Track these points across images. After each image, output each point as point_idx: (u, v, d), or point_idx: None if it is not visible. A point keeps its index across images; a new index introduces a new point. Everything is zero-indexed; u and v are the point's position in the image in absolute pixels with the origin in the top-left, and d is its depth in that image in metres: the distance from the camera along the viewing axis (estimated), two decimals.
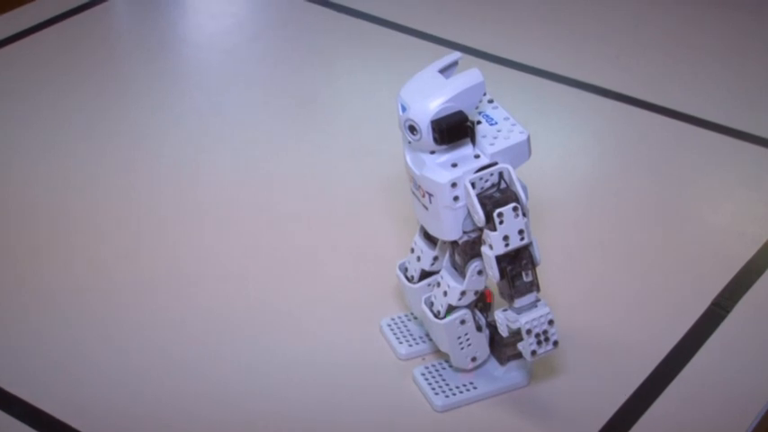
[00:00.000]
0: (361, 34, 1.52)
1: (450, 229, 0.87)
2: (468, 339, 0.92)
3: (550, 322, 0.88)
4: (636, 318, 1.04)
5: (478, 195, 0.85)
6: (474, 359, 0.93)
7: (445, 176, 0.85)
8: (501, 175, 0.86)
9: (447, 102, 0.83)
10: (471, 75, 0.84)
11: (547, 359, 0.94)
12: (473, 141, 0.86)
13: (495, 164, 0.85)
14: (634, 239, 1.14)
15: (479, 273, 0.88)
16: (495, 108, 0.89)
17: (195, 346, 1.00)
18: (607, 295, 1.07)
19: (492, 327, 0.93)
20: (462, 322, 0.91)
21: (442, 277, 0.91)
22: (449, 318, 0.90)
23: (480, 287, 0.90)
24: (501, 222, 0.84)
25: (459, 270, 0.90)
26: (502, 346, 0.94)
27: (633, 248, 1.13)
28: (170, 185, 1.21)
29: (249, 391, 0.95)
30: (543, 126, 1.31)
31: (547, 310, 0.87)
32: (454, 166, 0.85)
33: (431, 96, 0.83)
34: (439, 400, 0.93)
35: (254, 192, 1.20)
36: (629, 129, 1.33)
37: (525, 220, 0.85)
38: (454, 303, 0.90)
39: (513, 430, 0.92)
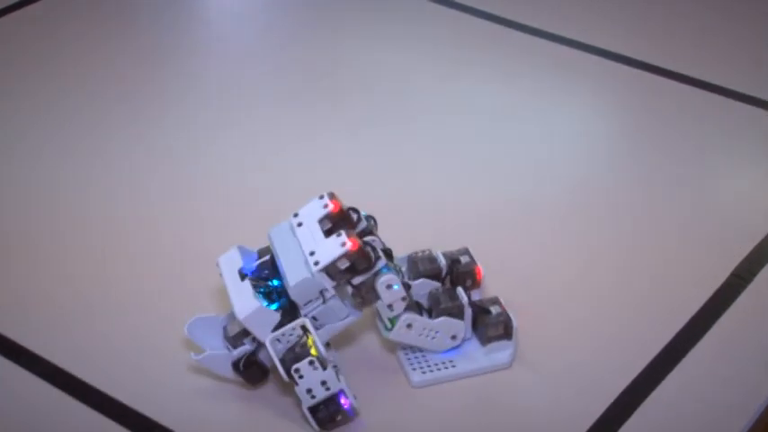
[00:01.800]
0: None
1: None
2: (427, 331, 0.93)
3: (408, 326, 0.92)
4: (657, 287, 1.06)
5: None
6: (454, 337, 0.95)
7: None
8: (303, 328, 0.88)
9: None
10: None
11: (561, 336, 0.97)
12: None
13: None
14: (656, 209, 1.16)
15: (387, 287, 0.90)
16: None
17: None
18: (627, 262, 1.09)
19: (476, 306, 0.95)
20: (408, 326, 0.92)
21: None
22: (394, 329, 0.92)
23: (400, 294, 0.90)
24: (301, 377, 0.87)
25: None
26: (484, 326, 0.96)
27: (656, 217, 1.15)
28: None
29: None
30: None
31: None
32: None
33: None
34: (416, 376, 0.95)
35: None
36: (655, 99, 1.35)
37: (326, 371, 0.87)
38: (391, 316, 0.92)
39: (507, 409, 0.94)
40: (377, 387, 0.94)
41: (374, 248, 0.88)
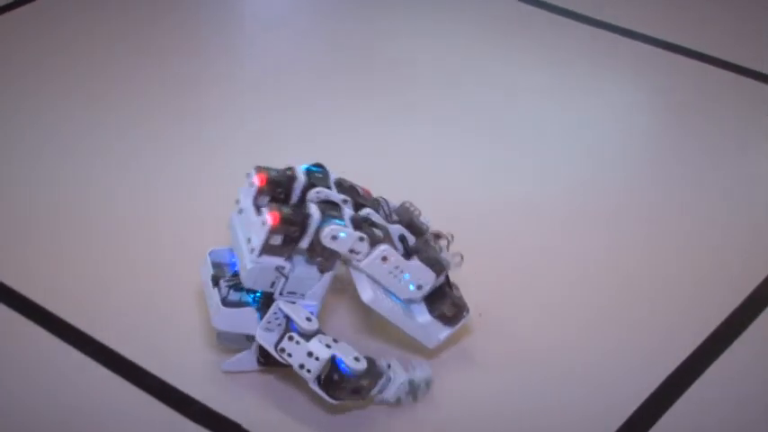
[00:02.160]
0: None
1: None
2: (398, 271, 0.88)
3: (410, 382, 0.89)
4: (691, 285, 1.04)
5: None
6: (419, 287, 0.89)
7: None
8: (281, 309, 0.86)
9: None
10: None
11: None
12: None
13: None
14: (698, 204, 1.15)
15: (333, 239, 0.86)
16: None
17: None
18: (661, 258, 1.08)
19: (447, 278, 0.92)
20: (384, 258, 0.87)
21: None
22: (368, 258, 0.87)
23: (351, 239, 0.86)
24: (289, 355, 0.85)
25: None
26: (443, 301, 0.92)
27: (700, 212, 1.14)
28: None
29: None
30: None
31: (401, 378, 0.88)
32: None
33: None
34: (368, 295, 0.88)
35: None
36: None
37: (310, 342, 0.84)
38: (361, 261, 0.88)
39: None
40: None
41: (301, 210, 0.85)
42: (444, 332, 0.93)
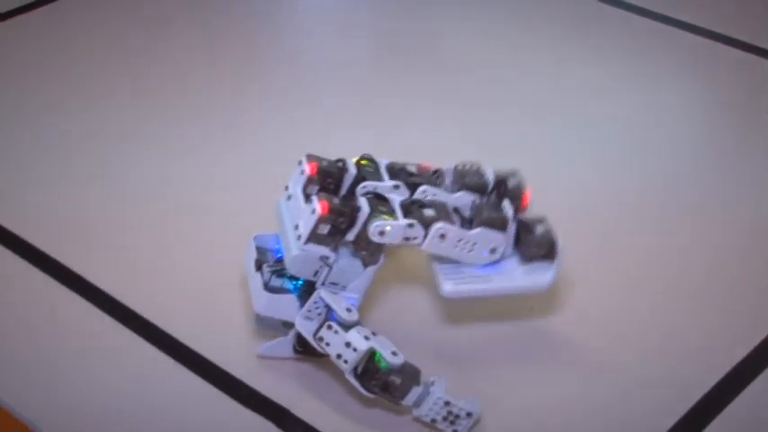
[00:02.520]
0: None
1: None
2: (463, 243, 0.87)
3: (446, 404, 0.85)
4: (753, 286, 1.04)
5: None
6: (493, 251, 0.88)
7: None
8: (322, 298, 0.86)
9: None
10: None
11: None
12: None
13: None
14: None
15: (380, 234, 0.85)
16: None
17: None
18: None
19: (521, 222, 0.90)
20: (442, 236, 0.86)
21: None
22: (427, 239, 0.87)
23: (399, 234, 0.86)
24: (327, 344, 0.84)
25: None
26: (526, 245, 0.90)
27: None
28: None
29: None
30: None
31: (438, 394, 0.85)
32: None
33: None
34: (448, 286, 0.88)
35: None
36: None
37: (348, 333, 0.84)
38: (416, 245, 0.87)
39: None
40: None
41: (351, 202, 0.85)
42: (548, 271, 0.89)
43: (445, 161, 0.93)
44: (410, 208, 0.87)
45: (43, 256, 1.05)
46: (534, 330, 0.98)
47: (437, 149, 1.17)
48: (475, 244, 0.87)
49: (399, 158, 0.93)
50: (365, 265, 0.87)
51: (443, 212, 0.87)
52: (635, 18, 1.46)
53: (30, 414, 0.88)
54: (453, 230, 0.86)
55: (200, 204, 1.12)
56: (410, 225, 0.85)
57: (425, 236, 0.86)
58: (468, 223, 0.88)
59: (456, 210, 0.89)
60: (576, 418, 0.89)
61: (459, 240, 0.87)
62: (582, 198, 1.14)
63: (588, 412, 0.90)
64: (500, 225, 0.88)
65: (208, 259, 1.04)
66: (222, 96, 1.30)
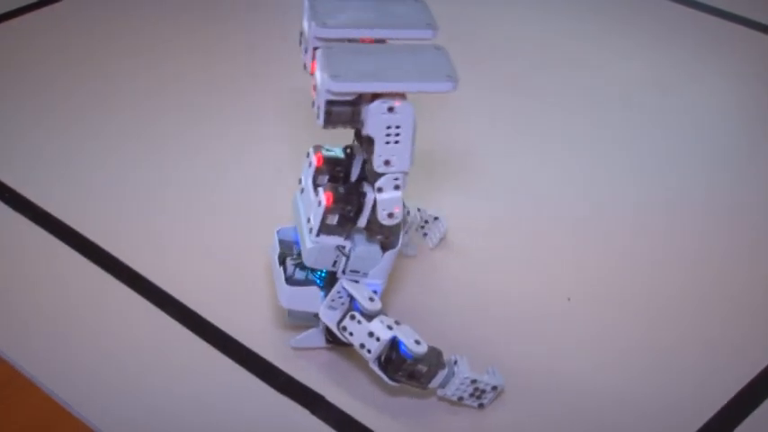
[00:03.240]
0: None
1: None
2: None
3: (473, 381, 0.87)
4: None
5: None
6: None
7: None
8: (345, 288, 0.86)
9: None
10: None
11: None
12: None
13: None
14: None
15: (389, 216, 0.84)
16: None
17: None
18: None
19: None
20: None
21: None
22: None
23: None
24: (351, 334, 0.85)
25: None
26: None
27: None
28: None
29: None
30: None
31: (465, 374, 0.86)
32: None
33: None
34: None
35: None
36: None
37: (371, 322, 0.84)
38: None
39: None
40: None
41: (357, 189, 0.84)
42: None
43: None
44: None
45: (92, 245, 1.07)
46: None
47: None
48: None
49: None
50: (384, 249, 0.87)
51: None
52: None
53: (88, 413, 0.90)
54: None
55: (232, 199, 1.13)
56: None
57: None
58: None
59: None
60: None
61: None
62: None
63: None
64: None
65: (243, 250, 1.06)
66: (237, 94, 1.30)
